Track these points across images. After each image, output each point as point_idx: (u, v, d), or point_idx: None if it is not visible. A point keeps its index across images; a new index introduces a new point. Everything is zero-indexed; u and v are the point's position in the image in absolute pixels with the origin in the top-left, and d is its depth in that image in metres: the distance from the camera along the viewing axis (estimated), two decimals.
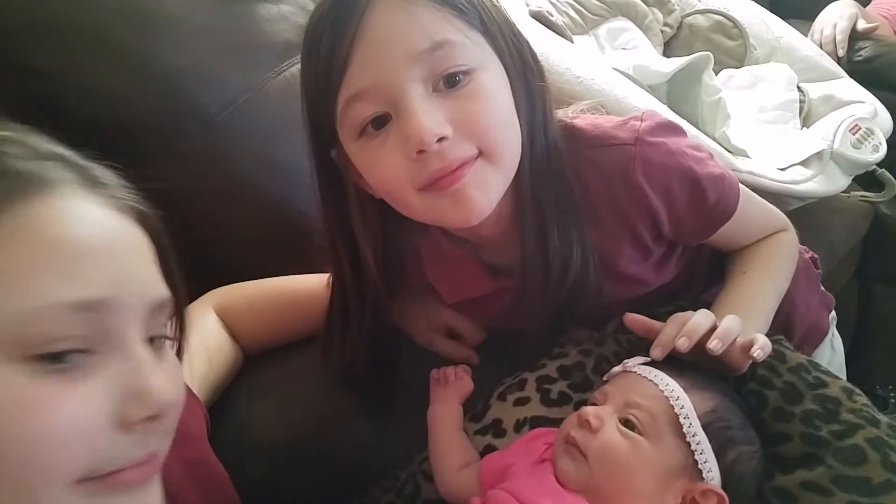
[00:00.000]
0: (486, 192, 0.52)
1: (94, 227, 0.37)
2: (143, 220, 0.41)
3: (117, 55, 0.81)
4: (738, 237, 0.68)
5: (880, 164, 1.16)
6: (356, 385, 0.68)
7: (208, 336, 0.69)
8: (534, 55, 0.57)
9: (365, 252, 0.59)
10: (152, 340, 0.39)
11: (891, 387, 1.53)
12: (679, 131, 0.62)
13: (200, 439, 0.58)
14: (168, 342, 0.41)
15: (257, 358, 0.73)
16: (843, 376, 0.85)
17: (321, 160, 0.58)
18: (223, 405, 0.68)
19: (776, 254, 0.69)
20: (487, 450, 0.59)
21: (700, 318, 0.54)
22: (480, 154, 0.51)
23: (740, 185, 0.65)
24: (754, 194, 0.68)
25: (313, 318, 0.72)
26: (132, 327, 0.37)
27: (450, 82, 0.50)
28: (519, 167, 0.55)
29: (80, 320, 0.34)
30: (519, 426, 0.59)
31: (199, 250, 0.90)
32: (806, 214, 1.12)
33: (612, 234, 0.60)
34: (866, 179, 1.23)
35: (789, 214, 1.06)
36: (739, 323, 0.54)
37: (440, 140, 0.48)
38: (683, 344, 0.52)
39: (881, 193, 1.22)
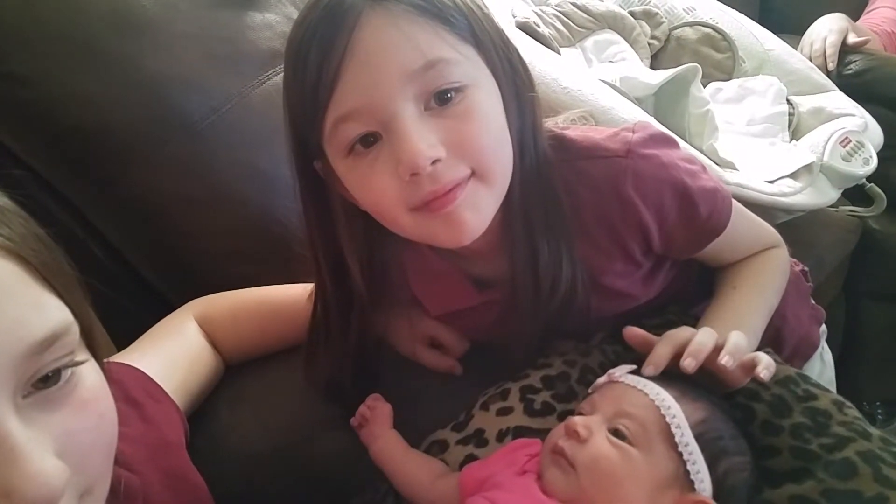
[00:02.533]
0: (479, 212, 0.51)
1: None
2: (12, 250, 0.33)
3: (101, 62, 0.81)
4: (728, 252, 0.67)
5: (869, 179, 1.16)
6: (340, 397, 0.66)
7: (189, 345, 0.68)
8: (524, 64, 0.56)
9: (350, 264, 0.58)
10: (47, 378, 0.33)
11: (878, 403, 1.52)
12: (672, 143, 0.61)
13: (178, 448, 0.58)
14: (82, 366, 0.36)
15: (238, 368, 0.73)
16: (834, 389, 0.85)
17: (304, 172, 0.57)
18: (203, 414, 0.67)
19: (767, 270, 0.68)
20: (469, 459, 0.58)
21: (704, 338, 0.53)
22: (473, 174, 0.50)
23: (734, 202, 0.64)
24: (746, 209, 0.67)
25: (295, 329, 0.71)
26: None
27: (442, 100, 0.48)
28: (515, 196, 0.55)
29: None
30: (501, 436, 0.58)
31: (181, 259, 0.90)
32: (794, 228, 1.12)
33: (601, 248, 0.59)
34: (855, 194, 1.23)
35: (777, 228, 1.07)
36: (746, 340, 0.53)
37: (434, 162, 0.47)
38: (690, 364, 0.51)
39: (870, 208, 1.22)
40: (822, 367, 0.83)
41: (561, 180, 0.57)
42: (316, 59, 0.47)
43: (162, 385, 0.59)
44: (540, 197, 0.56)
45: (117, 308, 0.92)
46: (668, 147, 0.60)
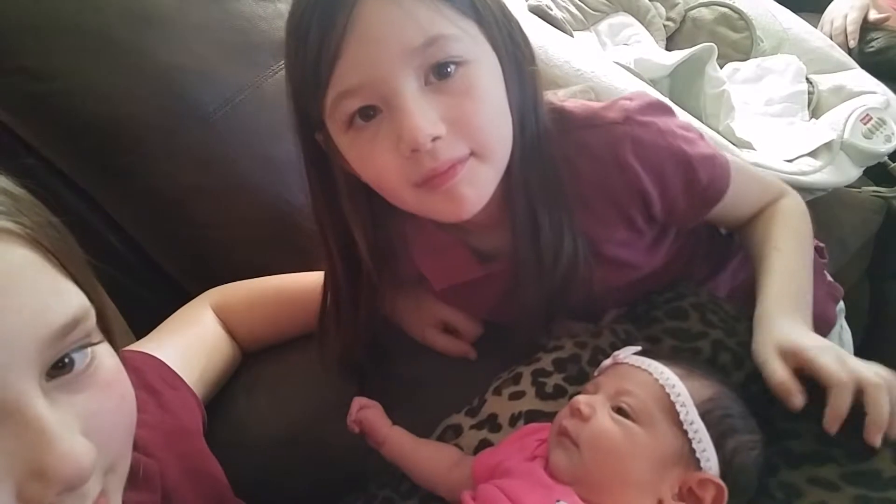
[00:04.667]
0: (478, 188, 0.51)
1: None
2: (30, 237, 0.34)
3: (116, 55, 0.81)
4: (737, 211, 0.66)
5: (892, 158, 1.14)
6: (355, 375, 0.67)
7: (206, 334, 0.69)
8: (525, 38, 0.55)
9: (356, 237, 0.58)
10: (68, 362, 0.34)
11: None
12: (668, 111, 0.61)
13: (196, 435, 0.58)
14: (99, 347, 0.36)
15: (254, 355, 0.73)
16: None
17: (307, 144, 0.57)
18: (220, 401, 0.68)
19: (795, 224, 0.66)
20: (483, 444, 0.58)
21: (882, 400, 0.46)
22: (472, 153, 0.50)
23: (732, 158, 0.64)
24: (746, 164, 0.67)
25: (311, 316, 0.72)
26: (23, 383, 0.31)
27: (441, 74, 0.48)
28: (516, 168, 0.55)
29: None
30: (514, 420, 0.58)
31: (198, 249, 0.91)
32: (815, 209, 1.09)
33: (602, 218, 0.59)
34: (878, 174, 1.21)
35: None
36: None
37: (434, 139, 0.48)
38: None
39: (894, 188, 1.19)
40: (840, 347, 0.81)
41: (560, 152, 0.57)
42: (317, 35, 0.47)
43: (180, 374, 0.60)
44: (540, 170, 0.56)
45: (135, 297, 0.94)
46: (665, 115, 0.60)
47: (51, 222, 0.36)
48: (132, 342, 0.66)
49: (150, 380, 0.56)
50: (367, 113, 0.49)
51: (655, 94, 0.97)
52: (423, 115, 0.47)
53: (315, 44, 0.47)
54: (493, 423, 0.59)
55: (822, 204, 1.10)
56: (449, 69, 0.48)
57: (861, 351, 1.45)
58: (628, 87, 0.94)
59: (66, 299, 0.34)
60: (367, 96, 0.48)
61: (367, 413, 0.62)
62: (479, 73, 0.50)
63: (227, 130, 0.89)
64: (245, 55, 0.93)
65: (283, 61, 0.93)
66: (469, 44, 0.49)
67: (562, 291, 0.58)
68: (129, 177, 0.85)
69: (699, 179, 0.59)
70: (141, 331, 0.69)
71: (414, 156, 0.48)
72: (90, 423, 0.34)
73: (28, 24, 0.77)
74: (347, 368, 0.66)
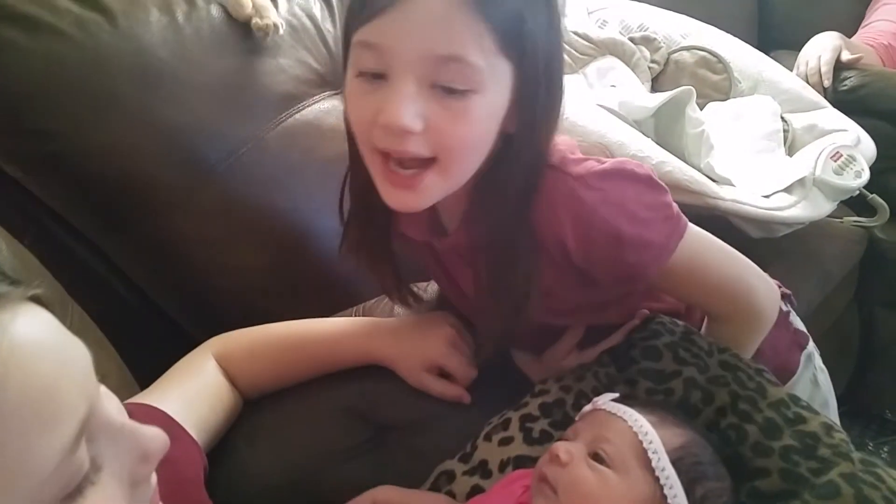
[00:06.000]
0: (423, 197, 0.55)
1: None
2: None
3: (123, 114, 0.85)
4: (691, 297, 0.68)
5: (871, 190, 1.18)
6: (374, 259, 0.71)
7: (208, 383, 0.70)
8: (560, 94, 0.57)
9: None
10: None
11: None
12: (639, 182, 0.59)
13: (197, 485, 0.59)
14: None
15: (254, 402, 0.75)
16: (832, 409, 0.85)
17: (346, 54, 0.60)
18: (221, 450, 0.69)
19: (749, 342, 0.68)
20: (475, 490, 0.60)
21: None
22: (434, 161, 0.53)
23: (720, 250, 0.64)
24: (736, 264, 0.65)
25: (312, 363, 0.75)
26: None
27: (447, 90, 0.51)
28: (494, 171, 0.57)
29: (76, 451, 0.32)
30: (503, 466, 0.60)
31: (201, 298, 0.94)
32: (799, 240, 1.14)
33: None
34: (860, 205, 1.25)
35: (783, 241, 1.09)
36: None
37: (406, 132, 0.51)
38: None
39: (874, 218, 1.23)
40: (813, 390, 0.81)
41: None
42: None
43: (182, 424, 0.61)
44: (505, 193, 0.57)
45: (140, 344, 0.97)
46: (630, 186, 0.59)
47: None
48: (137, 391, 0.67)
49: None
50: (377, 75, 0.52)
51: (645, 144, 1.00)
52: (409, 109, 0.50)
53: None
54: (483, 470, 0.61)
55: (805, 236, 1.14)
56: (454, 88, 0.51)
57: (856, 375, 1.49)
58: (610, 132, 0.99)
59: None
60: (379, 61, 0.51)
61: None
62: (479, 105, 0.51)
63: (230, 182, 0.93)
64: (248, 109, 0.97)
65: (283, 114, 1.01)
66: (485, 77, 0.51)
67: (510, 289, 0.60)
68: (136, 229, 0.88)
69: (624, 258, 0.59)
70: (146, 377, 0.71)
71: (384, 129, 0.51)
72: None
73: (39, 87, 0.81)
74: (366, 254, 0.71)
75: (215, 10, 0.95)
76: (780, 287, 0.80)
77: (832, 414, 0.86)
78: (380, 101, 0.51)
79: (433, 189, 0.55)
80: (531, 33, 0.52)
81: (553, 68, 0.55)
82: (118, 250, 0.91)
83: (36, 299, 0.35)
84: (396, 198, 0.55)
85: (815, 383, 0.82)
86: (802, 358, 0.81)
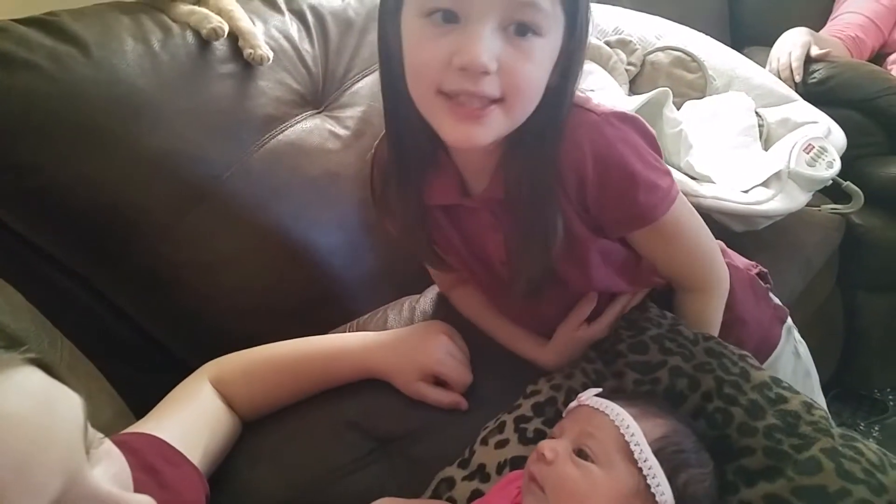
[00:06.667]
0: (489, 131, 0.56)
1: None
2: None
3: (104, 144, 0.85)
4: (664, 261, 0.71)
5: (845, 177, 1.21)
6: (409, 223, 0.72)
7: (205, 408, 0.70)
8: (586, 41, 0.60)
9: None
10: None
11: (888, 389, 1.55)
12: (650, 137, 0.64)
13: None
14: None
15: (253, 424, 0.75)
16: (814, 378, 0.90)
17: (384, 28, 0.61)
18: (223, 473, 0.69)
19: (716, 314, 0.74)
20: (475, 495, 0.61)
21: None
22: (501, 100, 0.55)
23: (699, 220, 0.69)
24: (708, 236, 0.71)
25: (309, 382, 0.76)
26: None
27: (519, 31, 0.54)
28: (530, 121, 0.59)
29: None
30: (501, 468, 0.61)
31: (194, 323, 0.94)
32: (780, 231, 1.17)
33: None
34: (835, 193, 1.28)
35: (764, 232, 1.12)
36: None
37: (483, 72, 0.53)
38: None
39: (849, 205, 1.26)
40: (796, 361, 0.86)
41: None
42: None
43: (182, 450, 0.61)
44: (542, 139, 0.60)
45: (134, 373, 0.97)
46: (642, 137, 0.63)
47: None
48: (133, 421, 0.67)
49: (150, 460, 0.57)
50: (448, 17, 0.53)
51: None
52: (489, 49, 0.52)
53: None
54: (482, 474, 0.62)
55: (785, 226, 1.16)
56: (528, 33, 0.54)
57: (844, 357, 1.51)
58: None
59: None
60: (457, 3, 0.53)
61: None
62: (544, 48, 0.55)
63: (216, 206, 0.93)
64: (231, 133, 0.97)
65: (266, 136, 1.02)
66: (550, 22, 0.55)
67: (544, 231, 0.63)
68: (125, 259, 0.88)
69: (636, 196, 0.62)
70: (141, 405, 0.71)
71: (459, 71, 0.53)
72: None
73: (17, 122, 0.81)
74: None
75: (191, 37, 0.95)
76: (757, 266, 0.84)
77: (815, 383, 0.91)
78: (455, 43, 0.53)
79: (497, 125, 0.56)
80: None
81: (586, 30, 0.60)
82: (110, 282, 0.91)
83: (35, 361, 0.35)
84: (462, 132, 0.56)
85: (796, 355, 0.87)
86: (783, 331, 0.85)
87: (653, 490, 0.50)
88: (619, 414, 0.53)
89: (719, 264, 0.74)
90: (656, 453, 0.51)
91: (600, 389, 0.58)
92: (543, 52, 0.56)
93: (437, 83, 0.55)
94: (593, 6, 0.60)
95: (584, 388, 0.63)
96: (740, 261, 0.87)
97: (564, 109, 0.60)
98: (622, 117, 0.62)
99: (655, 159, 0.64)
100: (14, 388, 0.33)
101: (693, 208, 0.70)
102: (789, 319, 0.86)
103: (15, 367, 0.33)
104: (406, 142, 0.65)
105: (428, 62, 0.55)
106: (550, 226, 0.63)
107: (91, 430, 0.38)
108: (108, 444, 0.40)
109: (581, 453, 0.52)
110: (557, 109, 0.60)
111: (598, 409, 0.55)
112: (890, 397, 1.54)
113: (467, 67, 0.52)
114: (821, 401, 0.89)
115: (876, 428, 1.47)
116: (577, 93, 0.62)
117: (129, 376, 0.95)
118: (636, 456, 0.51)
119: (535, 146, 0.60)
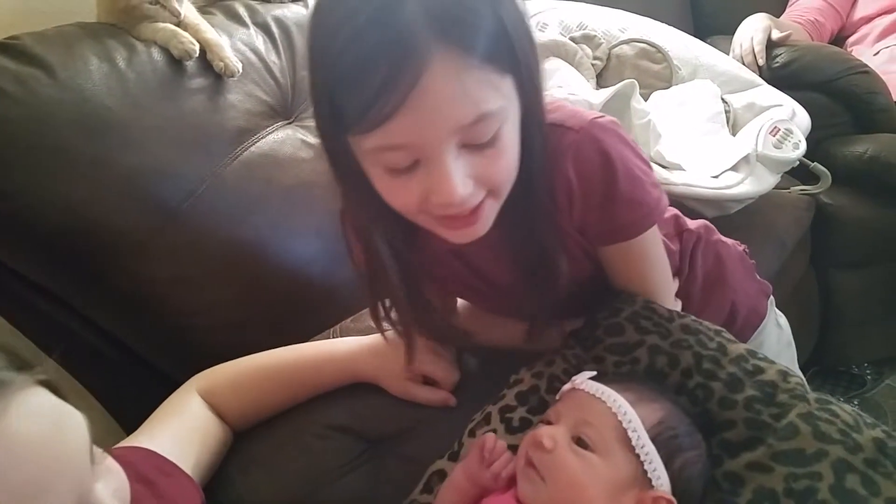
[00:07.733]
0: (485, 223, 0.56)
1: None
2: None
3: (74, 165, 0.85)
4: (634, 279, 0.69)
5: (812, 158, 1.23)
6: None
7: (196, 419, 0.70)
8: (542, 79, 0.56)
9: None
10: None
11: (866, 364, 1.58)
12: (632, 149, 0.62)
13: None
14: None
15: (244, 433, 0.75)
16: (793, 348, 0.93)
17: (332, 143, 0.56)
18: (216, 483, 0.69)
19: None
20: None
21: None
22: (489, 194, 0.55)
23: (657, 238, 0.68)
24: (667, 269, 0.72)
25: (297, 389, 0.76)
26: None
27: (479, 144, 0.51)
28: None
29: None
30: None
31: (179, 337, 0.94)
32: (752, 214, 1.19)
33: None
34: (804, 174, 1.30)
35: (737, 216, 1.14)
36: None
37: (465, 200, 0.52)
38: None
39: (818, 185, 1.29)
40: (779, 331, 0.90)
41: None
42: (375, 85, 0.46)
43: (175, 461, 0.62)
44: (537, 170, 0.58)
45: (120, 389, 0.96)
46: (625, 146, 0.61)
47: None
48: (122, 437, 0.67)
49: (145, 471, 0.57)
50: (408, 165, 0.51)
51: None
52: (459, 179, 0.50)
53: (372, 92, 0.46)
54: None
55: (757, 209, 1.19)
56: (486, 139, 0.51)
57: (821, 335, 1.54)
58: None
59: None
60: (409, 154, 0.50)
61: None
62: (506, 129, 0.52)
63: (193, 221, 0.93)
64: (202, 147, 0.97)
65: (238, 148, 1.02)
66: (505, 104, 0.51)
67: (542, 263, 0.62)
68: (102, 279, 0.88)
69: (615, 212, 0.62)
70: (130, 422, 0.70)
71: (441, 206, 0.52)
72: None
73: None
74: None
75: (157, 54, 0.95)
76: (739, 244, 0.87)
77: (793, 352, 0.95)
78: (424, 184, 0.51)
79: (492, 212, 0.56)
80: (514, 35, 0.50)
81: (532, 50, 0.54)
82: (89, 304, 0.91)
83: (44, 383, 0.36)
84: (460, 235, 0.56)
85: (778, 326, 0.90)
86: (769, 303, 0.88)
87: (650, 475, 0.51)
88: (615, 400, 0.53)
89: (670, 296, 0.73)
90: (653, 439, 0.52)
91: (594, 373, 0.58)
92: (510, 134, 0.53)
93: (420, 213, 0.54)
94: (556, 3, 0.59)
95: (566, 374, 0.64)
96: (727, 239, 0.89)
97: (542, 138, 0.58)
98: (608, 123, 0.61)
99: (639, 168, 0.62)
100: (30, 411, 0.33)
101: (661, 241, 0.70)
102: (771, 296, 0.90)
103: (29, 388, 0.34)
104: (387, 218, 0.60)
105: (405, 205, 0.54)
106: (553, 263, 0.63)
107: (94, 447, 0.39)
108: (109, 461, 0.41)
109: (580, 442, 0.53)
110: (536, 145, 0.57)
111: (594, 395, 0.55)
112: (867, 372, 1.57)
113: (447, 205, 0.52)
114: (797, 370, 0.92)
115: (855, 402, 1.50)
116: (547, 102, 0.59)
117: (116, 393, 0.95)
118: (634, 443, 0.51)
119: (526, 185, 0.58)
